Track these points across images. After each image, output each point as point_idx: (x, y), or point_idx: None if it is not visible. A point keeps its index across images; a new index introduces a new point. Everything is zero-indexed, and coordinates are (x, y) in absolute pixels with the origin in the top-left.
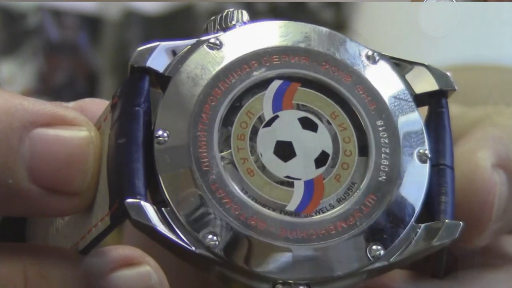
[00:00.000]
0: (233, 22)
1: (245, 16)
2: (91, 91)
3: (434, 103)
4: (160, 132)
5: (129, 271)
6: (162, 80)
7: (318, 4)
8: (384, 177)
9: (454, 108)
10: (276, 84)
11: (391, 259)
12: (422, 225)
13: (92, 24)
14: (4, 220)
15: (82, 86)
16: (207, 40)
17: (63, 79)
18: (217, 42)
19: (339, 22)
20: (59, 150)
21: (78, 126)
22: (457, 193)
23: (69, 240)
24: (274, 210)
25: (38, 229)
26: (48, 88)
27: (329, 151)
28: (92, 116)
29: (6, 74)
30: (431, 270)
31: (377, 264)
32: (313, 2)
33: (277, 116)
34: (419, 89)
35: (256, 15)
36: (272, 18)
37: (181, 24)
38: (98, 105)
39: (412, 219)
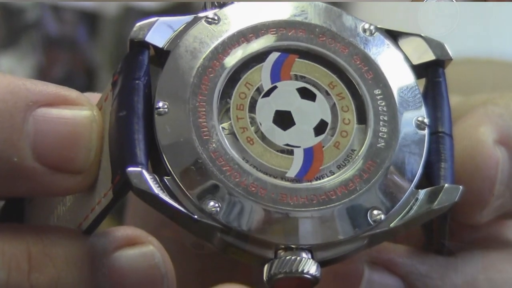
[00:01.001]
0: None
1: None
2: (90, 86)
3: (431, 74)
4: (160, 104)
5: (132, 250)
6: (161, 55)
7: None
8: (383, 144)
9: (455, 98)
10: (274, 56)
11: (391, 224)
12: (422, 191)
13: (90, 19)
14: (2, 211)
15: (81, 80)
16: (205, 16)
17: (61, 74)
18: (215, 17)
19: None
20: (62, 129)
21: (80, 106)
22: (459, 168)
23: (72, 224)
24: (274, 177)
25: (38, 219)
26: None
27: (328, 119)
28: None
29: (5, 68)
30: (435, 247)
31: (378, 229)
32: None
33: (275, 87)
34: (416, 59)
35: None
36: None
37: None
38: (97, 99)
39: (412, 185)
